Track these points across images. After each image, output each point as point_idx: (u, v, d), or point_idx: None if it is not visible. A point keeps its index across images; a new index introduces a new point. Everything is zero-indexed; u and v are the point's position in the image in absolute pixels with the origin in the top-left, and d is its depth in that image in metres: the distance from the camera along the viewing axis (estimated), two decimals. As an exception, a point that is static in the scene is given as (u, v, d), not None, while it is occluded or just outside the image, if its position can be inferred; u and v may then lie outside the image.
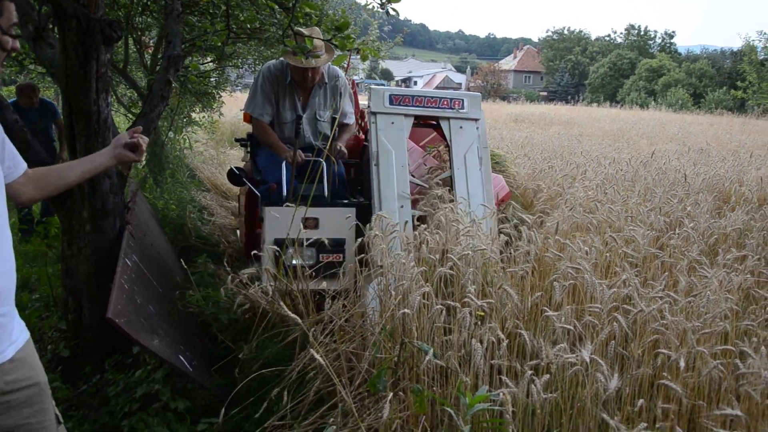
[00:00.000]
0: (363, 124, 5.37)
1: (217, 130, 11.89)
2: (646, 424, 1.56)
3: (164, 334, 3.44)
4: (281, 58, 4.66)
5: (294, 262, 3.68)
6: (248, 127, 5.24)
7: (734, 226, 4.09)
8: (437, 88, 66.90)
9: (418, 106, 4.06)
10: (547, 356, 1.89)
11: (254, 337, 3.64)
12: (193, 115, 10.58)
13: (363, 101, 5.78)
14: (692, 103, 42.95)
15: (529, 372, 1.83)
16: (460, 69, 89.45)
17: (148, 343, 3.02)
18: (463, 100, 4.14)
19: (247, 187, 4.63)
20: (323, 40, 4.22)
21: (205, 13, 5.94)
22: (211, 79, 9.43)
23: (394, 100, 4.02)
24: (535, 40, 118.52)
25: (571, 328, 2.04)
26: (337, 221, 3.90)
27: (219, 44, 6.02)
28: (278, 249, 3.70)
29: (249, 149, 4.96)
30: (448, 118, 4.10)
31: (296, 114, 4.50)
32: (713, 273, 2.76)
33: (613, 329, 2.09)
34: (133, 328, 2.92)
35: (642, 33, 75.52)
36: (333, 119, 4.35)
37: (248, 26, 5.93)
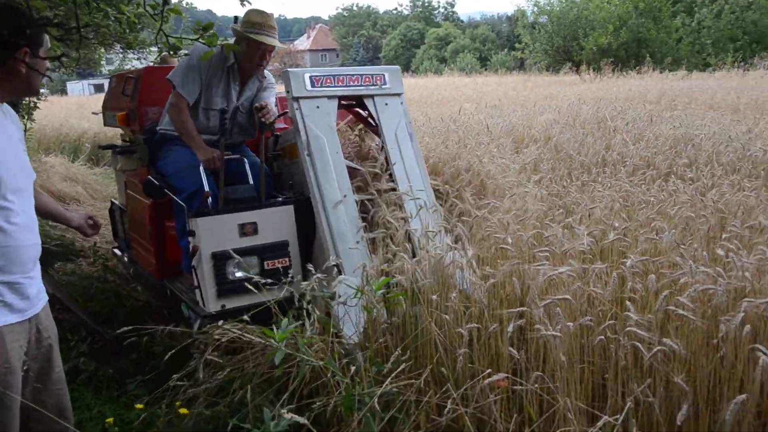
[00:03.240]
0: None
1: (32, 137, 11.56)
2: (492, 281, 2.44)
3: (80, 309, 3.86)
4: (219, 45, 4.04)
5: (238, 275, 3.48)
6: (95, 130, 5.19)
7: (531, 158, 5.24)
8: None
9: (340, 86, 3.80)
10: (423, 249, 2.73)
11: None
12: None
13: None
14: (480, 66, 46.12)
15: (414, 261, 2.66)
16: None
17: (76, 308, 3.44)
18: (384, 75, 3.93)
19: (149, 200, 4.23)
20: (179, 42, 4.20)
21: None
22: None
23: (315, 81, 3.74)
24: (326, 18, 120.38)
25: (433, 231, 2.89)
26: (276, 222, 3.62)
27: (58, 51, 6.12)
28: (219, 264, 3.47)
29: (141, 155, 4.37)
30: (372, 96, 3.89)
31: (227, 104, 4.08)
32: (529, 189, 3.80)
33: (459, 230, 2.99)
34: (64, 297, 3.34)
35: (426, 4, 79.72)
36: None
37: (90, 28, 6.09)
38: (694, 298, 2.11)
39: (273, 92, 4.29)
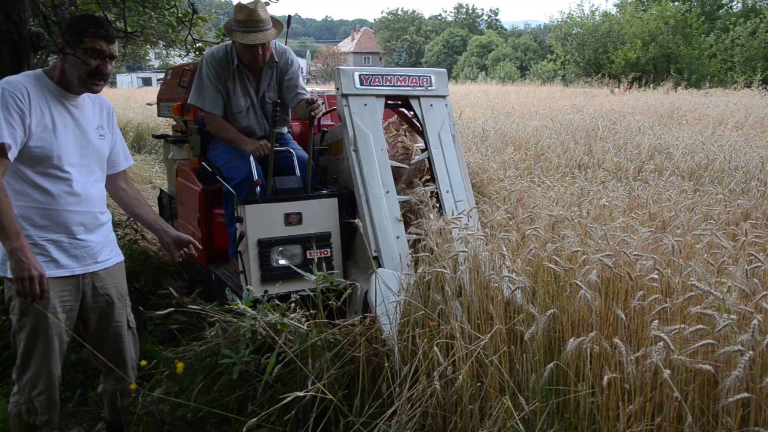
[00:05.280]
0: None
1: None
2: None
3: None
4: (224, 43, 4.29)
5: (281, 262, 3.61)
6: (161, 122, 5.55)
7: (510, 157, 5.98)
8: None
9: (388, 85, 3.89)
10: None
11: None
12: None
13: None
14: (520, 75, 46.21)
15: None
16: (299, 53, 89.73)
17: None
18: (430, 77, 4.01)
19: (199, 188, 4.44)
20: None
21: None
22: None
23: (364, 80, 3.83)
24: (371, 21, 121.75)
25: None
26: (320, 214, 3.73)
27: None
28: (264, 250, 3.60)
29: (193, 144, 4.46)
30: (418, 97, 3.98)
31: (251, 103, 4.21)
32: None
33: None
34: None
35: (470, 11, 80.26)
36: (276, 103, 3.87)
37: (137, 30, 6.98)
38: (558, 254, 2.83)
39: (297, 72, 4.27)
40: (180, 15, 4.67)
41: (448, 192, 3.81)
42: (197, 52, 4.89)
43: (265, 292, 3.44)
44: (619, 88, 22.13)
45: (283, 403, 2.55)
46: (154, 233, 3.15)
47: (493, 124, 8.55)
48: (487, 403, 2.63)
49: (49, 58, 6.51)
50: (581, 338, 2.20)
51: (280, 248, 3.59)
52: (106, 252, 2.93)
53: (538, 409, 2.39)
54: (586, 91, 22.42)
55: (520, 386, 2.61)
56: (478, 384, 2.72)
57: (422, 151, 4.16)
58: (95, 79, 2.76)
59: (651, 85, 21.22)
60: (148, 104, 4.74)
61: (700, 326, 2.04)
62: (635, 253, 2.65)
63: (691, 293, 2.31)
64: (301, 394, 2.50)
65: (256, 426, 2.97)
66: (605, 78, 24.80)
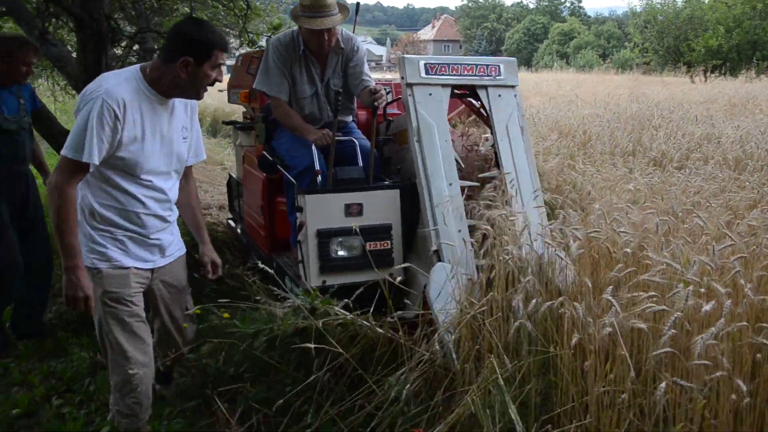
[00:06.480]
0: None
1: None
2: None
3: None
4: (290, 29, 4.34)
5: (340, 253, 3.58)
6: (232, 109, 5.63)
7: (550, 143, 6.20)
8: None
9: (454, 75, 3.78)
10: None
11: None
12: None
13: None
14: (602, 63, 45.14)
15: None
16: (380, 41, 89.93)
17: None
18: (499, 66, 3.87)
19: (263, 176, 4.45)
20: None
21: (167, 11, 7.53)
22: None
23: (430, 69, 3.72)
24: (453, 8, 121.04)
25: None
26: (381, 205, 3.65)
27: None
28: (324, 241, 3.55)
29: (258, 132, 4.44)
30: (485, 87, 3.83)
31: (315, 90, 4.18)
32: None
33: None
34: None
35: (552, -2, 78.86)
36: (338, 92, 3.89)
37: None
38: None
39: (362, 59, 4.24)
40: (237, 10, 5.09)
41: (514, 186, 3.68)
42: (250, 44, 5.29)
43: (323, 282, 3.50)
44: (699, 76, 21.50)
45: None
46: (198, 241, 3.22)
47: (548, 111, 8.68)
48: (481, 362, 2.92)
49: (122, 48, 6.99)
50: (551, 302, 2.47)
51: (340, 239, 3.56)
52: (173, 246, 3.05)
53: (518, 367, 2.67)
54: (664, 80, 21.87)
55: (508, 348, 2.89)
56: (477, 346, 3.01)
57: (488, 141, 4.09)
58: (207, 88, 2.85)
59: (730, 74, 20.48)
60: (219, 91, 4.88)
61: (652, 293, 2.28)
62: (622, 230, 2.88)
63: (662, 267, 2.53)
64: (311, 346, 2.84)
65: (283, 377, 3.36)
66: (684, 66, 24.06)
